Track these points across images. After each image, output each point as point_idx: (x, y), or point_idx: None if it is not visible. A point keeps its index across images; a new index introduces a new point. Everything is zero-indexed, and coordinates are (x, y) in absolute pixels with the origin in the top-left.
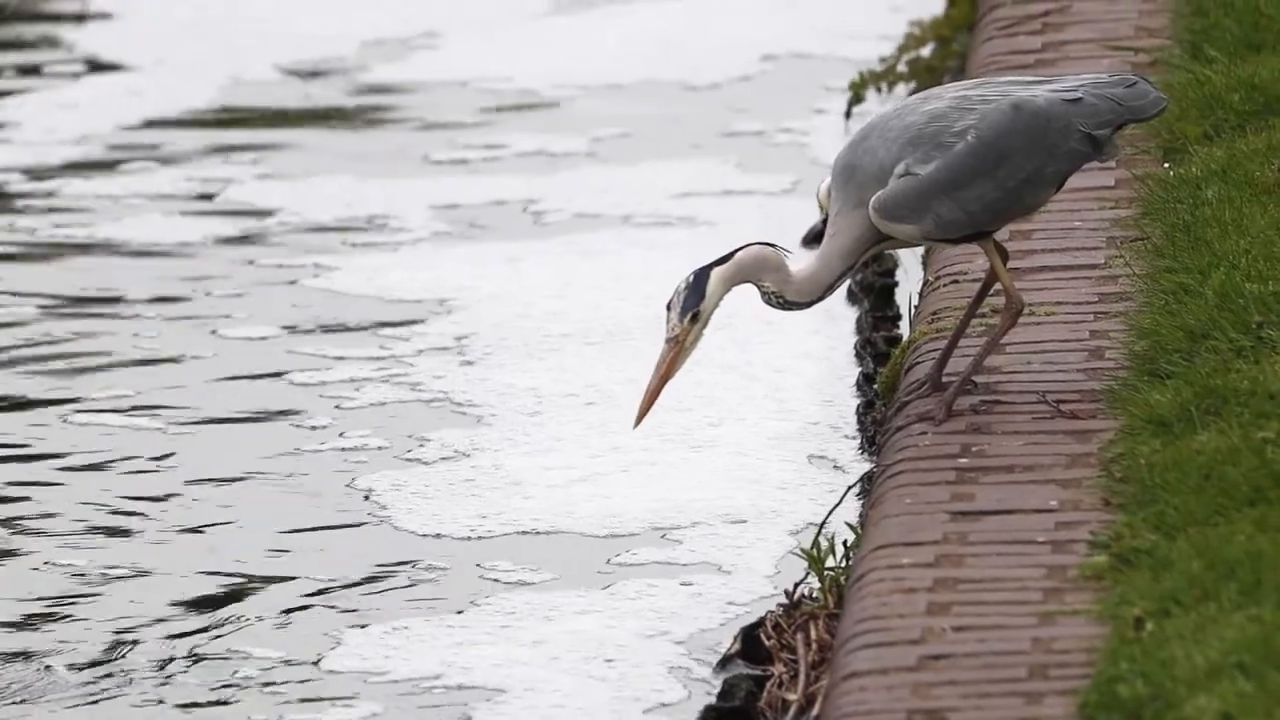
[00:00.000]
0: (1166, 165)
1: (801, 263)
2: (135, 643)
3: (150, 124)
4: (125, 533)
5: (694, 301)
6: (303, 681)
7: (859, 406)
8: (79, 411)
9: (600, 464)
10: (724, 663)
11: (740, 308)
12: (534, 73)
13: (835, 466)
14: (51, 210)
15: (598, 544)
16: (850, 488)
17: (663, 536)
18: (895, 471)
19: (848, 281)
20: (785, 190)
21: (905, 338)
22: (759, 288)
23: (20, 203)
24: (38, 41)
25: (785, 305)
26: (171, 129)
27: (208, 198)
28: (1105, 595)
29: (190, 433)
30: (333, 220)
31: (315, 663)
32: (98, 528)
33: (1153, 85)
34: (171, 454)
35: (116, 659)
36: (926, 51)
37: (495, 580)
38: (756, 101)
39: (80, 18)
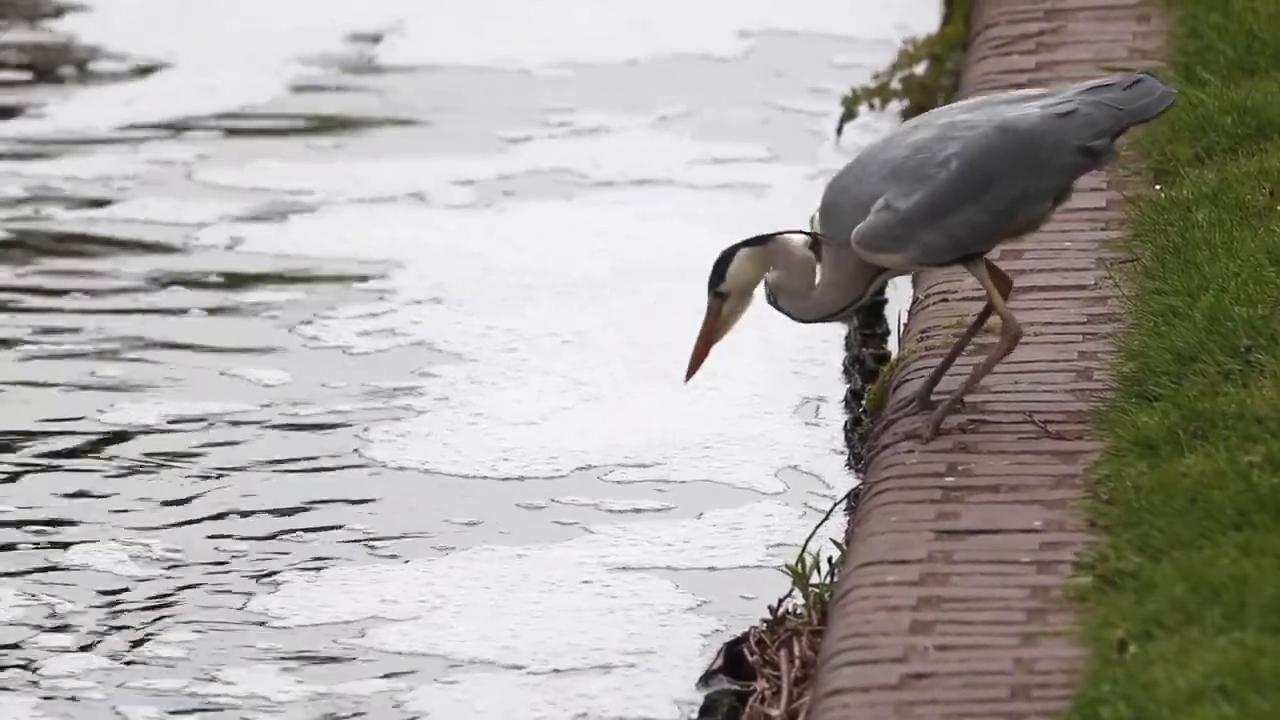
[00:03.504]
0: (1158, 187)
1: (818, 279)
2: (127, 602)
3: (176, 119)
4: (124, 493)
5: (714, 280)
6: (287, 629)
7: (846, 423)
8: (69, 357)
9: (570, 401)
10: (706, 678)
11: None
12: (526, 54)
13: (821, 483)
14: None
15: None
16: (836, 504)
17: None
18: (881, 489)
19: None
20: (766, 159)
21: (894, 355)
22: (767, 279)
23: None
24: (34, 37)
25: (777, 307)
26: (194, 124)
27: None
28: (1089, 617)
29: (186, 394)
30: (350, 198)
31: (290, 610)
32: (89, 490)
33: (1159, 81)
34: (177, 415)
35: (110, 614)
36: (920, 69)
37: (476, 537)
38: (747, 78)
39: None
